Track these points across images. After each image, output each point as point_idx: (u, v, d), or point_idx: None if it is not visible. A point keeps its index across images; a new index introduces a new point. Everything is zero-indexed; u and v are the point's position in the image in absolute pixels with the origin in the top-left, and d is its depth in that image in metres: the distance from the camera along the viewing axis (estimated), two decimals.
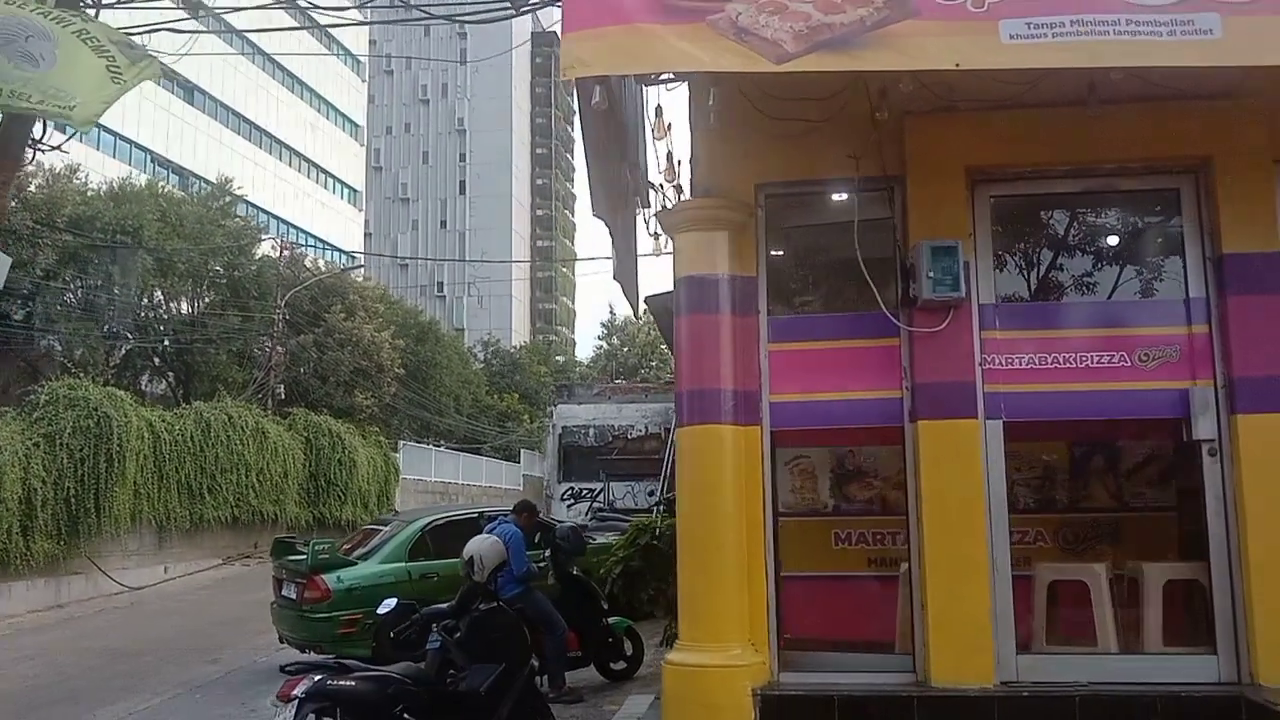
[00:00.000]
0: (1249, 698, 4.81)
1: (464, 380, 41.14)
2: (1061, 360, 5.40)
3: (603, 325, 61.47)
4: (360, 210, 59.63)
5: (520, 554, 9.13)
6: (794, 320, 5.85)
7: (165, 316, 27.73)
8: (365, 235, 65.07)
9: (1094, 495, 6.53)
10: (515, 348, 57.20)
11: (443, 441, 38.21)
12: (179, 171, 40.56)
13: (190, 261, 26.23)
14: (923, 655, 5.20)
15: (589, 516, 18.94)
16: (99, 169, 31.63)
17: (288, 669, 6.31)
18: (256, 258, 29.95)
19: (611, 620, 9.68)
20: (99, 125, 36.81)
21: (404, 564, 11.04)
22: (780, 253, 6.01)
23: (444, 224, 75.55)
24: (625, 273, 7.33)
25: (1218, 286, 5.29)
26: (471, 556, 7.28)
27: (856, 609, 6.23)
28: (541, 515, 11.94)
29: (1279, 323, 5.18)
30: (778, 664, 5.37)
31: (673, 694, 5.28)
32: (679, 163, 5.98)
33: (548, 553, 9.96)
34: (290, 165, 51.12)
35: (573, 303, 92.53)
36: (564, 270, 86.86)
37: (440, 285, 70.85)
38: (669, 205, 5.94)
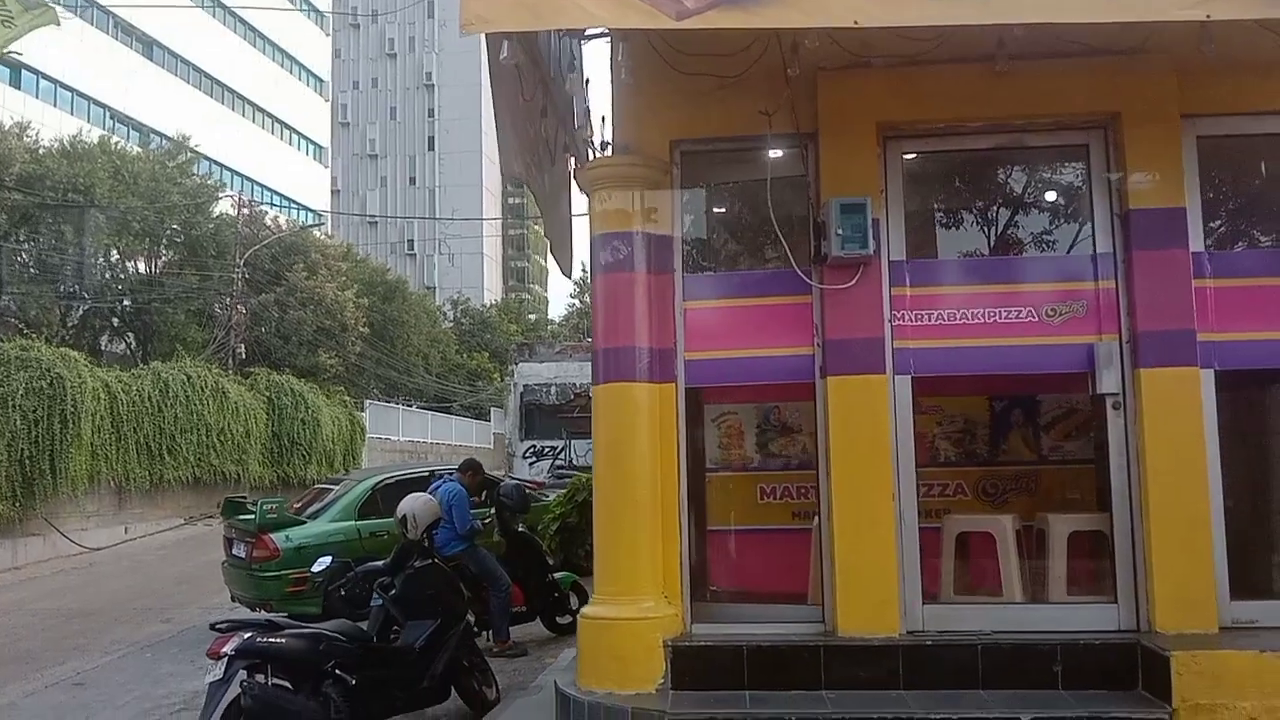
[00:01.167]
0: (1144, 644, 4.93)
1: (433, 339, 41.03)
2: (970, 316, 5.45)
3: (575, 283, 61.34)
4: (326, 167, 58.82)
5: (464, 511, 9.21)
6: (710, 278, 5.86)
7: (122, 276, 27.37)
8: (332, 192, 64.30)
9: (1014, 448, 6.63)
10: (485, 306, 56.92)
11: (413, 401, 38.14)
12: (139, 128, 39.82)
13: (145, 220, 25.83)
14: (831, 606, 5.30)
15: (550, 474, 19.08)
16: (55, 126, 31.02)
17: (217, 627, 6.35)
18: (214, 216, 29.54)
19: (557, 575, 9.80)
20: (55, 80, 36.12)
21: (353, 522, 11.10)
22: (698, 210, 6.01)
23: (413, 181, 74.71)
24: (557, 233, 7.31)
25: (1124, 242, 5.34)
26: (405, 514, 7.33)
27: (777, 562, 6.33)
28: (507, 474, 12.04)
29: (1182, 278, 5.25)
30: (691, 616, 5.45)
31: (587, 646, 5.36)
32: (603, 119, 5.95)
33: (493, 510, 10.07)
34: (254, 121, 50.28)
35: (545, 260, 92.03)
36: (536, 227, 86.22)
37: (410, 243, 70.29)
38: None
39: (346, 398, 28.04)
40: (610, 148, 5.67)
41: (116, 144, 30.02)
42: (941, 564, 5.68)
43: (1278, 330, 5.32)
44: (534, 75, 5.63)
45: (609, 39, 5.54)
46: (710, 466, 6.89)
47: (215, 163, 41.39)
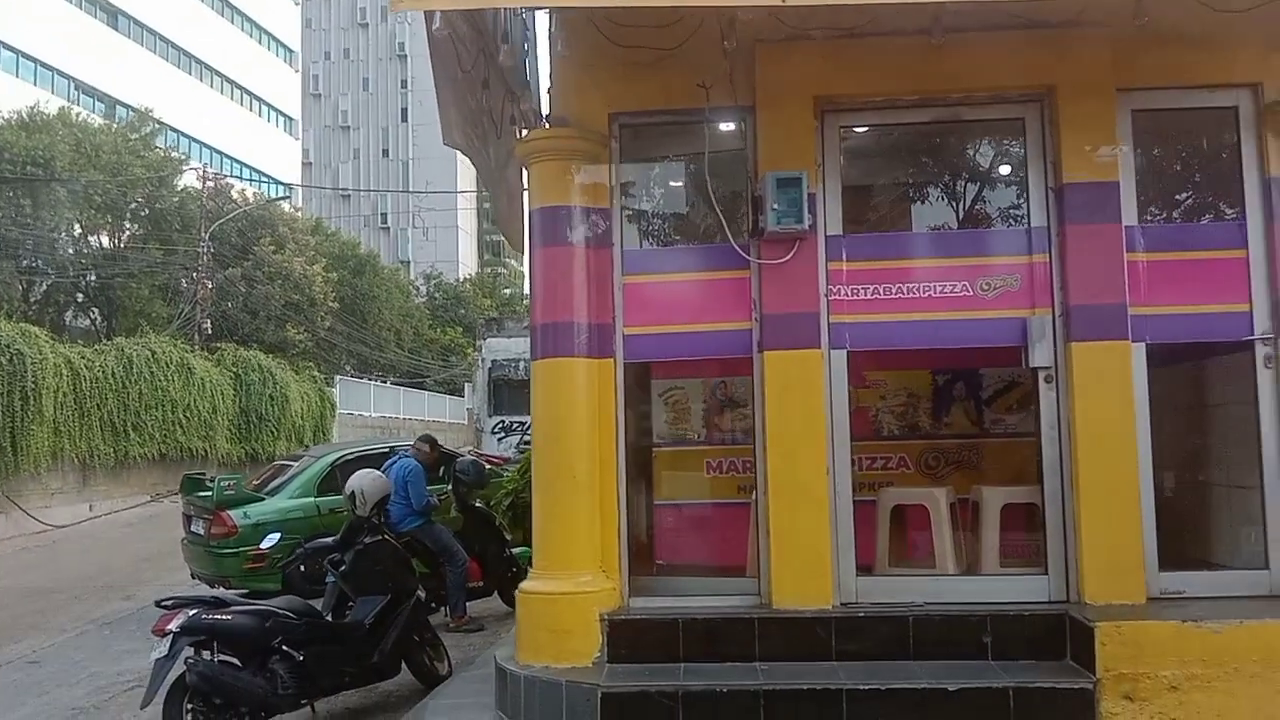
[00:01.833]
0: (1072, 615, 5.00)
1: (405, 314, 40.80)
2: (905, 291, 5.46)
3: None
4: (297, 139, 58.11)
5: (420, 487, 9.21)
6: (649, 253, 5.84)
7: (85, 251, 27.02)
8: (304, 165, 63.56)
9: (957, 422, 6.69)
10: (459, 280, 56.57)
11: (386, 377, 37.98)
12: (104, 99, 39.15)
13: (108, 194, 25.47)
14: (766, 579, 5.34)
15: (518, 449, 19.06)
16: (16, 96, 30.42)
17: (163, 604, 6.34)
18: (179, 189, 29.16)
19: (515, 550, 9.82)
20: (15, 50, 35.41)
21: (313, 499, 11.09)
22: (639, 183, 5.99)
23: (386, 153, 73.89)
24: (505, 206, 7.25)
25: (1058, 216, 5.36)
26: (354, 491, 7.32)
27: (722, 536, 6.36)
28: (471, 450, 12.03)
29: (1114, 252, 5.28)
30: (629, 590, 5.48)
31: (525, 621, 5.38)
32: (546, 91, 5.88)
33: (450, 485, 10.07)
34: (222, 93, 49.52)
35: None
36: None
37: (384, 216, 69.64)
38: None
39: (316, 373, 27.88)
40: (549, 119, 5.62)
41: (78, 116, 29.51)
42: (877, 537, 5.73)
43: (1208, 304, 5.38)
44: (475, 46, 5.58)
45: (548, 11, 5.49)
46: (658, 441, 6.91)
47: (183, 135, 40.78)
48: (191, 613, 6.14)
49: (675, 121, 5.72)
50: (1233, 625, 4.69)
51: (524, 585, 5.47)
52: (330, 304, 31.84)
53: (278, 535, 9.66)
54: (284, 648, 6.34)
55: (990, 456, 6.53)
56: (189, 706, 5.95)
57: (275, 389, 24.90)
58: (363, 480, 7.39)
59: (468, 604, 9.29)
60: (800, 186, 5.25)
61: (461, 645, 8.35)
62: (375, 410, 32.35)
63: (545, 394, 5.51)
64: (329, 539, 7.78)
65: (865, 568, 5.58)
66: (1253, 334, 5.35)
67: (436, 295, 50.02)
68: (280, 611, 6.54)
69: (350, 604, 7.01)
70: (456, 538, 9.48)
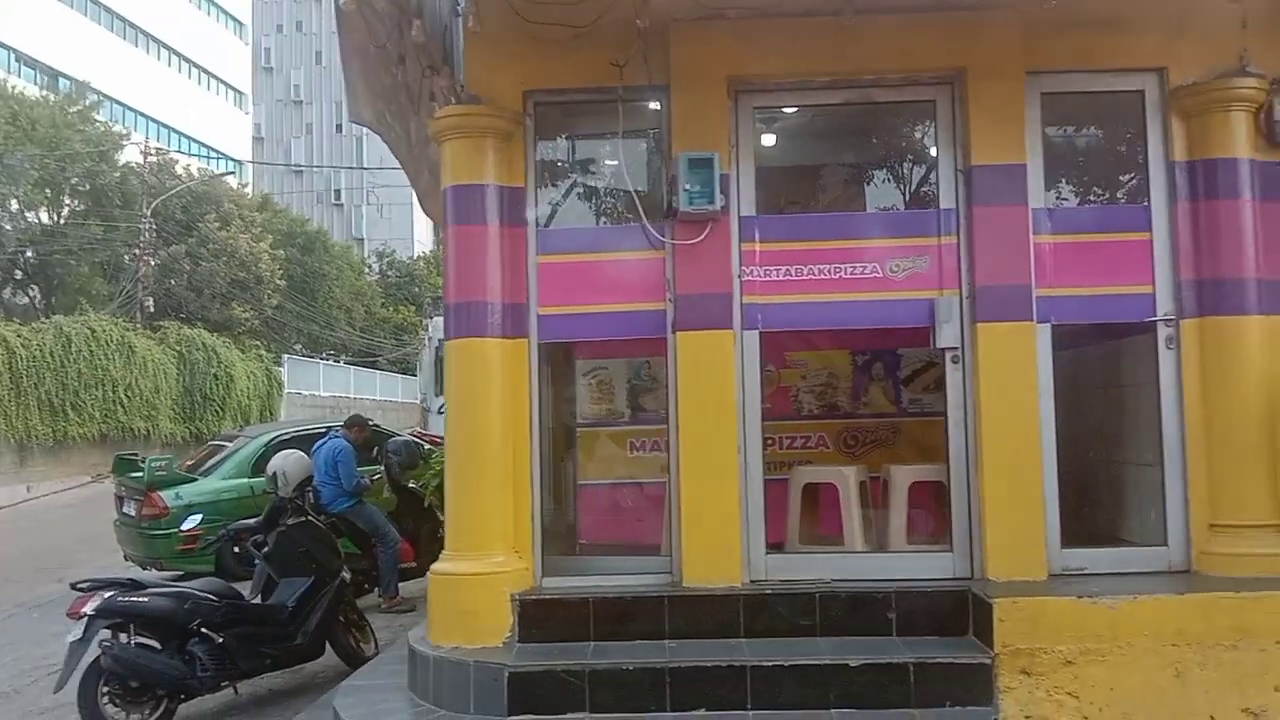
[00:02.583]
0: (974, 591, 5.08)
1: (356, 292, 40.34)
2: (817, 272, 5.49)
3: None
4: (247, 113, 57.05)
5: (350, 468, 9.15)
6: (564, 232, 5.81)
7: (23, 226, 26.37)
8: (255, 140, 62.46)
9: (875, 401, 6.77)
10: (413, 258, 56.00)
11: (339, 356, 37.59)
12: (43, 70, 38.08)
13: (46, 168, 24.86)
14: (677, 558, 5.37)
15: None
16: None
17: (78, 586, 6.26)
18: (121, 164, 28.53)
19: None
20: None
21: (247, 480, 10.98)
22: (555, 162, 5.95)
23: (339, 128, 72.46)
24: (426, 183, 7.18)
25: (966, 198, 5.41)
26: (275, 472, 7.26)
27: (643, 515, 6.39)
28: (413, 431, 11.96)
29: (1020, 234, 5.35)
30: (542, 570, 5.49)
31: (436, 602, 5.38)
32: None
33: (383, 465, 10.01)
34: (170, 65, 48.43)
35: None
36: None
37: (337, 193, 68.58)
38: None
39: (263, 352, 27.53)
40: (462, 96, 5.55)
41: (14, 88, 28.72)
42: (788, 515, 5.79)
43: (1112, 285, 5.47)
44: (392, 20, 5.50)
45: None
46: (582, 421, 6.92)
47: (127, 108, 39.86)
48: (107, 595, 6.08)
49: (591, 100, 5.68)
50: (1126, 600, 4.79)
51: (435, 566, 5.46)
52: (278, 281, 31.38)
53: (199, 516, 9.55)
54: (203, 630, 6.30)
55: (907, 435, 6.62)
56: (104, 690, 5.90)
57: (220, 368, 24.60)
58: (285, 461, 7.32)
59: (400, 584, 9.26)
60: (713, 167, 5.25)
61: (393, 626, 8.33)
62: (325, 390, 32.03)
63: (458, 374, 5.48)
64: (252, 520, 7.72)
65: (777, 545, 5.63)
66: (1155, 315, 5.45)
67: (389, 273, 49.49)
68: (199, 594, 6.49)
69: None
70: (390, 518, 9.45)
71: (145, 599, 6.21)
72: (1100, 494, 6.20)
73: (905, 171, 5.97)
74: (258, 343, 28.45)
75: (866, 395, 6.76)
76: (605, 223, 6.11)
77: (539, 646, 5.14)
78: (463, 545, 5.35)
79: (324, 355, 35.98)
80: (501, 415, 5.41)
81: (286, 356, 30.26)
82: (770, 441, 6.63)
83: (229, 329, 28.29)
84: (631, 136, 5.53)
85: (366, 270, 46.82)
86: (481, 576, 5.25)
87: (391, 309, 44.77)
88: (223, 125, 51.20)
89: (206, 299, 28.70)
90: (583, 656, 4.97)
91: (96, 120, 30.09)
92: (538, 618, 5.24)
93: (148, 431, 22.47)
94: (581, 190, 6.11)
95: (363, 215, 68.43)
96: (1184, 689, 4.71)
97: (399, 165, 7.52)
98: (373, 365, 38.76)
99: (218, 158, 46.45)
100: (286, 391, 28.49)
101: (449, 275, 5.56)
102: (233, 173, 38.19)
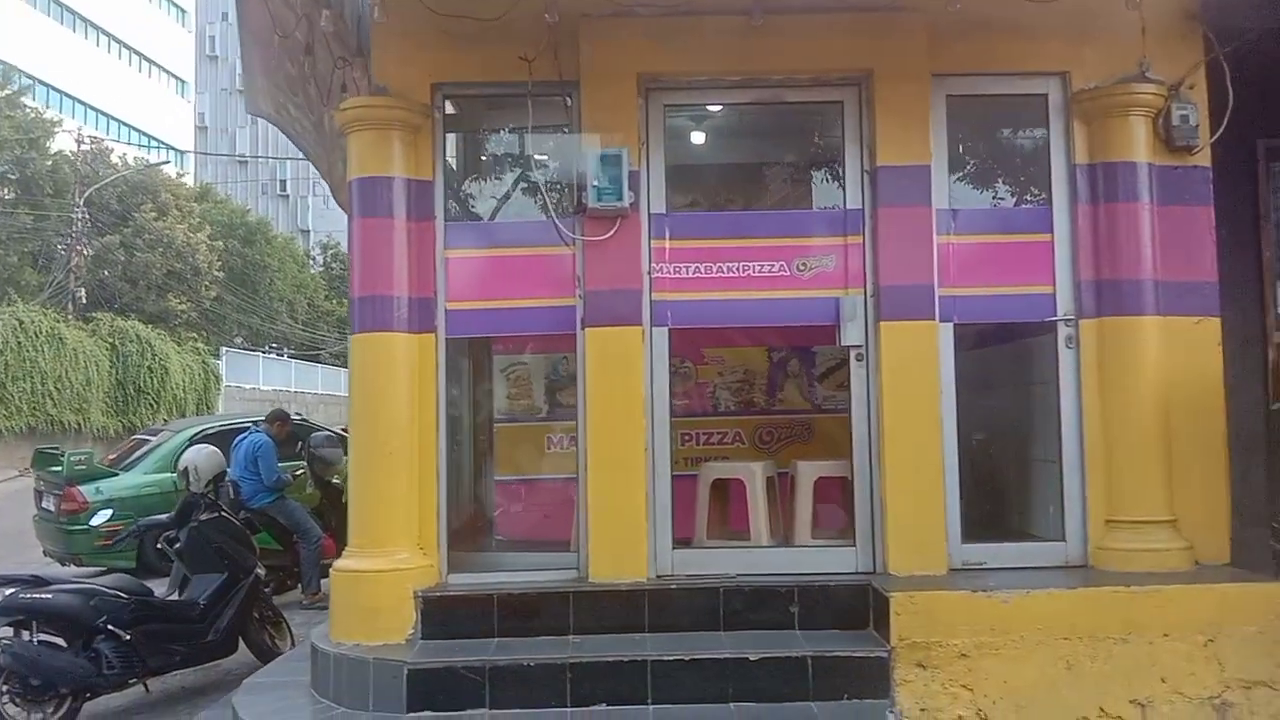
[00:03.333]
0: (875, 585, 5.14)
1: (299, 285, 39.75)
2: (726, 270, 5.51)
3: None
4: (190, 101, 55.95)
5: (270, 463, 9.03)
6: (473, 227, 5.78)
7: None
8: (198, 129, 61.27)
9: (790, 398, 6.83)
10: None
11: (283, 349, 37.03)
12: None
13: None
14: (585, 553, 5.37)
15: None
16: None
17: None
18: (53, 152, 27.82)
19: None
20: None
21: (169, 474, 10.74)
22: (464, 156, 5.91)
23: None
24: (340, 176, 7.08)
25: (872, 198, 5.47)
26: (187, 466, 7.15)
27: (557, 511, 6.37)
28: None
29: (924, 234, 5.41)
30: (448, 566, 5.45)
31: (338, 599, 5.32)
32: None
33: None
34: (109, 51, 47.36)
35: None
36: None
37: (283, 184, 67.44)
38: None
39: (200, 345, 27.05)
40: (369, 87, 5.49)
41: None
42: (696, 510, 5.81)
43: (1013, 285, 5.57)
44: (300, 10, 5.42)
45: None
46: (499, 417, 6.90)
47: (63, 94, 38.88)
48: (8, 592, 5.94)
49: (501, 95, 5.66)
50: (1020, 595, 4.88)
51: (337, 563, 5.40)
52: (216, 273, 30.80)
53: (109, 512, 9.38)
54: (110, 627, 6.18)
55: (821, 432, 6.69)
56: (4, 688, 5.76)
57: (154, 360, 24.14)
58: (197, 456, 7.22)
59: (323, 581, 9.16)
60: (622, 164, 5.25)
61: (314, 622, 8.18)
62: (266, 384, 31.56)
63: (363, 369, 5.42)
64: (163, 516, 7.60)
65: (685, 541, 5.66)
66: (1055, 315, 5.56)
67: (334, 265, 48.84)
68: (107, 590, 6.38)
69: None
70: (312, 514, 9.35)
71: (48, 596, 6.08)
72: (1008, 490, 6.31)
73: (814, 171, 6.02)
74: (194, 335, 27.91)
75: (782, 392, 6.82)
76: (515, 217, 6.08)
77: (442, 643, 5.11)
78: (366, 542, 5.30)
79: (265, 349, 35.38)
80: (408, 411, 5.36)
81: (225, 349, 29.75)
82: (686, 438, 6.70)
83: (165, 321, 27.72)
84: (542, 131, 5.51)
85: (310, 262, 46.14)
86: (384, 573, 5.20)
87: (335, 302, 44.19)
88: (164, 113, 50.20)
89: (141, 290, 28.09)
90: (484, 653, 4.95)
91: (26, 106, 29.28)
92: (441, 615, 5.21)
93: (79, 425, 21.99)
94: (491, 185, 6.08)
95: (309, 206, 67.31)
96: (1075, 681, 4.81)
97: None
98: (315, 359, 38.24)
99: (158, 146, 45.55)
100: (225, 385, 28.03)
101: (354, 268, 5.50)
102: (168, 162, 37.34)
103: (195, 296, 29.87)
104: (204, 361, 26.69)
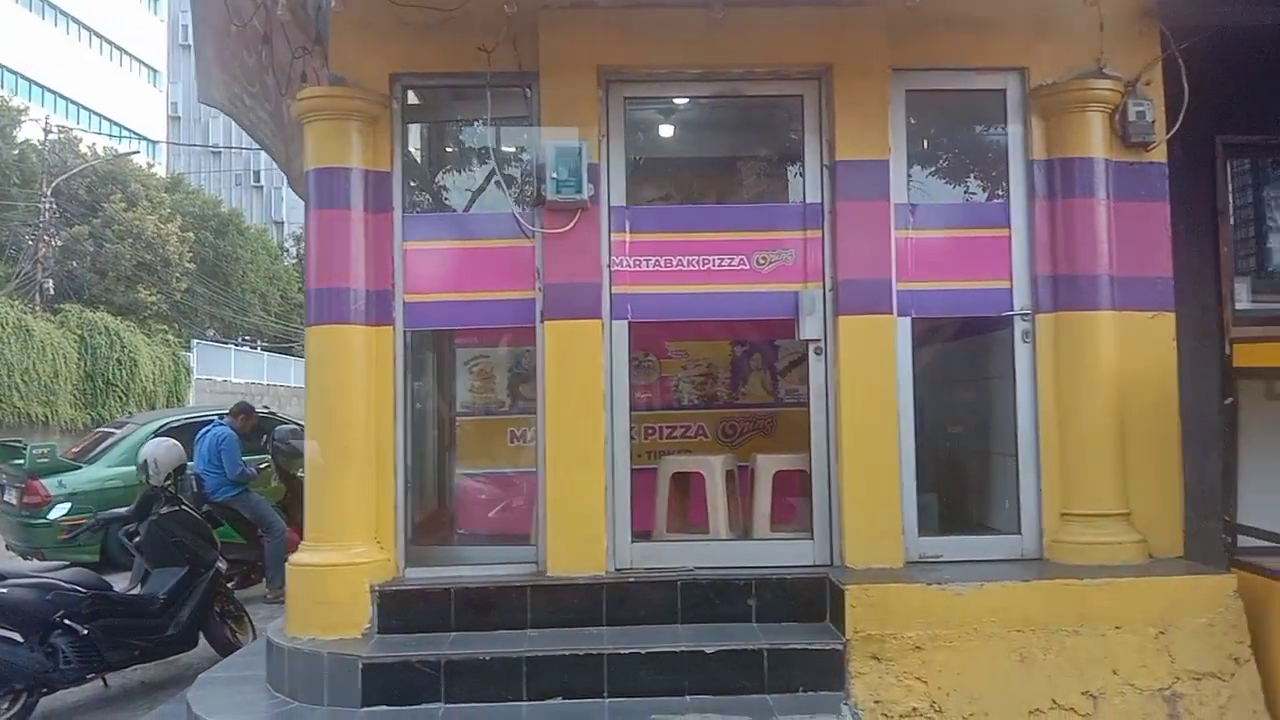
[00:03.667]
0: (831, 578, 5.16)
1: (272, 276, 39.40)
2: (686, 263, 5.51)
3: None
4: (161, 91, 55.32)
5: (234, 456, 8.96)
6: (431, 218, 5.75)
7: None
8: (171, 119, 60.60)
9: (753, 392, 6.84)
10: None
11: (256, 341, 36.73)
12: None
13: None
14: (543, 547, 5.36)
15: None
16: None
17: None
18: (19, 141, 27.43)
19: None
20: None
21: (133, 468, 10.64)
22: (424, 148, 5.87)
23: None
24: (299, 167, 7.02)
25: (831, 193, 5.48)
26: (146, 460, 7.08)
27: (518, 505, 6.36)
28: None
29: (882, 228, 5.43)
30: (405, 560, 5.43)
31: (294, 593, 5.29)
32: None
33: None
34: (77, 39, 46.73)
35: None
36: None
37: (257, 174, 66.86)
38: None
39: (170, 337, 26.77)
40: (327, 78, 5.45)
41: None
42: (656, 504, 5.81)
43: (971, 280, 5.60)
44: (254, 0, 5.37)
45: None
46: (463, 410, 6.88)
47: (31, 82, 38.33)
48: None
49: (460, 85, 5.62)
50: (974, 587, 4.91)
51: (293, 557, 5.37)
52: (187, 264, 30.47)
53: (67, 505, 9.29)
54: (66, 622, 6.12)
55: (784, 425, 6.71)
56: None
57: (123, 353, 23.88)
58: (156, 449, 7.16)
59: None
60: (580, 156, 5.23)
61: (277, 616, 8.17)
62: (238, 376, 31.31)
63: (319, 362, 5.38)
64: (123, 510, 7.54)
65: (645, 534, 5.66)
66: (1012, 310, 5.59)
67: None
68: (64, 584, 6.32)
69: None
70: (277, 508, 9.29)
71: (3, 590, 6.01)
72: (965, 483, 6.35)
73: (775, 166, 6.02)
74: (165, 327, 27.60)
75: (746, 386, 6.84)
76: (476, 209, 6.04)
77: (398, 638, 5.08)
78: (322, 536, 5.28)
79: (238, 341, 35.06)
80: (364, 404, 5.33)
81: (196, 342, 29.46)
82: (650, 431, 6.70)
83: (135, 313, 27.41)
84: (501, 123, 5.49)
85: (283, 254, 45.77)
86: (339, 567, 5.17)
87: None
88: (136, 103, 49.60)
89: (111, 282, 27.75)
90: (440, 647, 4.92)
91: None
92: (398, 609, 5.19)
93: (47, 417, 21.74)
94: (453, 176, 6.05)
95: (282, 198, 66.64)
96: (1028, 673, 4.84)
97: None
98: (288, 352, 37.96)
99: (129, 136, 45.00)
100: (196, 378, 27.78)
101: (310, 260, 5.46)
102: (138, 151, 36.92)
103: (166, 288, 29.54)
104: (175, 354, 26.41)
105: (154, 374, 25.06)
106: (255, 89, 5.79)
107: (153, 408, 24.48)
